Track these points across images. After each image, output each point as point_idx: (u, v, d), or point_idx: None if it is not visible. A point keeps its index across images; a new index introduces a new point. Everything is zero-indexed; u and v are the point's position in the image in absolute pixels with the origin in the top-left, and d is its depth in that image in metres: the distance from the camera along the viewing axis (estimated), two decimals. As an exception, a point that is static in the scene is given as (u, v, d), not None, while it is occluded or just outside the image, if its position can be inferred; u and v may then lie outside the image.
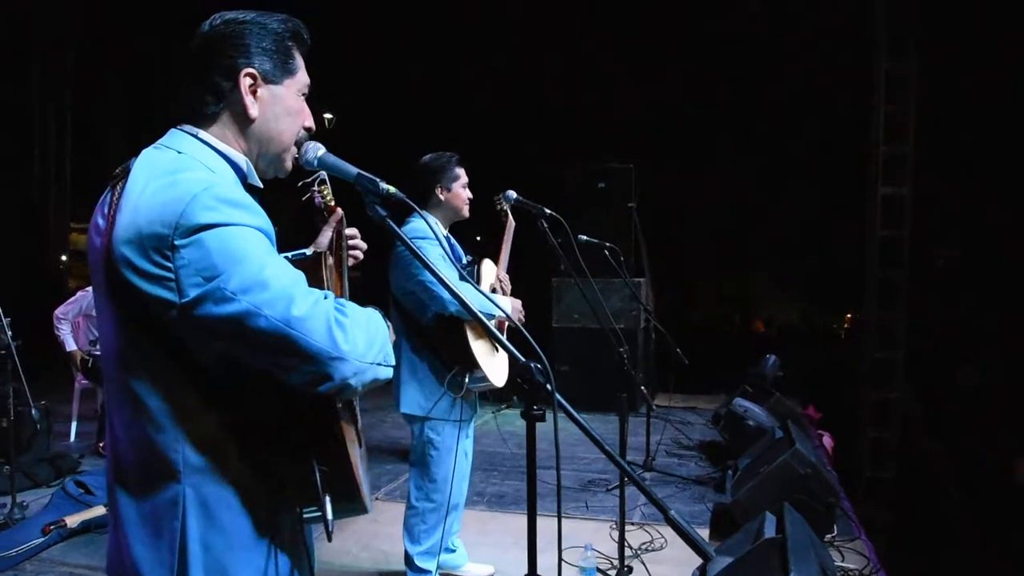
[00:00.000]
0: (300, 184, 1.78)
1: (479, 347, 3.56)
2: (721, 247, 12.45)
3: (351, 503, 1.61)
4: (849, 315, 12.51)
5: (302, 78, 1.68)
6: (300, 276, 1.48)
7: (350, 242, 1.92)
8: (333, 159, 1.76)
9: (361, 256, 1.97)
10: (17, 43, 10.03)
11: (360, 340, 1.48)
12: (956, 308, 10.06)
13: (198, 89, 1.58)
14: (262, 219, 1.48)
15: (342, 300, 1.54)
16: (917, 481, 7.84)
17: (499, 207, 4.15)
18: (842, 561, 4.04)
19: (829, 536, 4.30)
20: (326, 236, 1.77)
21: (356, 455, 1.62)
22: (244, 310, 1.38)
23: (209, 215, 1.39)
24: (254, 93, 1.59)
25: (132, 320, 1.46)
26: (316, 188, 1.78)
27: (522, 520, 1.69)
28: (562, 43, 10.62)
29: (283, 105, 1.64)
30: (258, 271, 1.40)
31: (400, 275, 3.56)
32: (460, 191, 3.67)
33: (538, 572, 1.67)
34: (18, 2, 9.77)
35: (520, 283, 6.38)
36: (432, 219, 3.58)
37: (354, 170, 1.74)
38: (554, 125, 11.05)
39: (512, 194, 3.56)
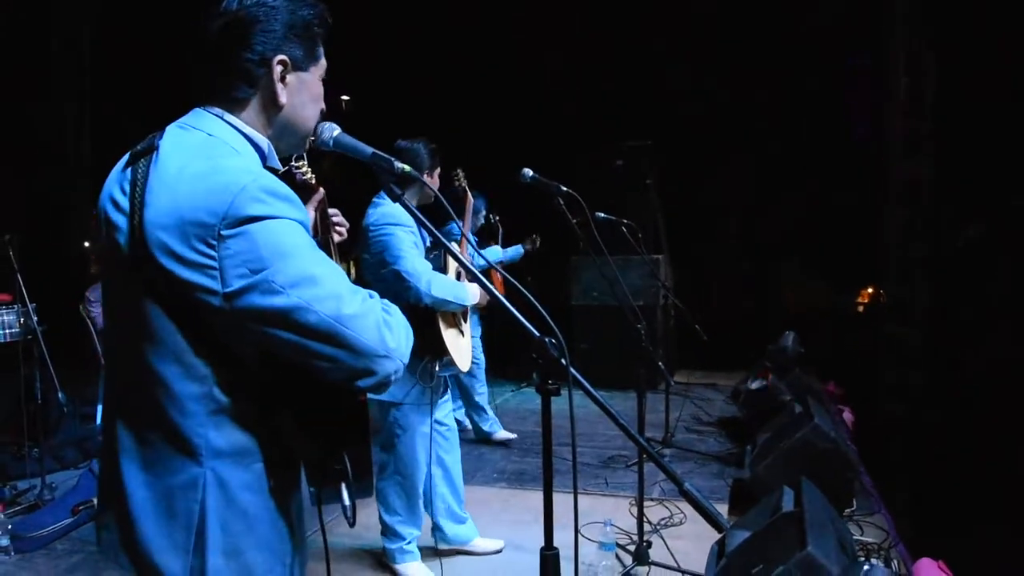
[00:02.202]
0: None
1: (449, 335, 3.63)
2: (740, 225, 12.37)
3: (365, 485, 1.63)
4: (869, 291, 12.42)
5: (323, 63, 1.67)
6: (343, 272, 1.50)
7: (334, 219, 1.92)
8: (349, 139, 1.77)
9: (345, 234, 1.97)
10: (34, 31, 10.09)
11: (403, 339, 1.51)
12: (978, 285, 9.96)
13: (227, 72, 1.54)
14: (302, 212, 1.49)
15: (385, 300, 1.56)
16: (937, 457, 7.81)
17: (457, 183, 4.21)
18: (861, 535, 4.05)
19: (848, 511, 4.31)
20: (310, 216, 1.77)
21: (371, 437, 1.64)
22: (293, 305, 1.39)
23: (258, 207, 1.39)
24: (283, 80, 1.58)
25: (165, 305, 1.44)
26: (294, 164, 1.77)
27: (542, 497, 1.71)
28: (582, 23, 10.57)
29: (310, 92, 1.64)
30: (307, 266, 1.41)
31: (375, 262, 3.60)
32: (437, 179, 3.87)
33: (556, 547, 1.70)
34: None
35: (539, 261, 6.41)
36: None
37: (369, 150, 1.76)
38: (572, 104, 11.00)
39: (528, 171, 3.56)
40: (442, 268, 3.67)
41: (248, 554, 1.53)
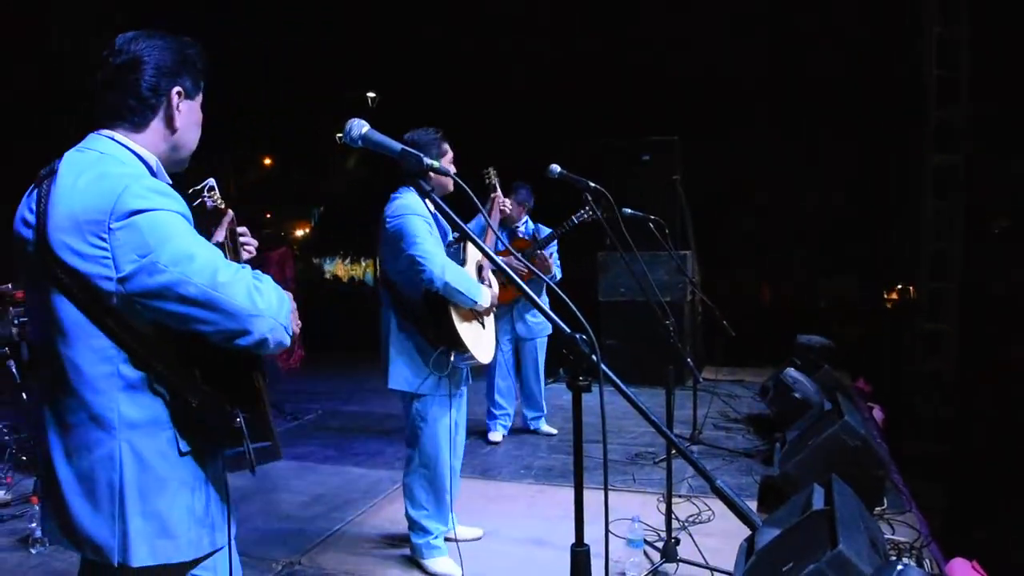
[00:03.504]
0: (190, 191, 1.90)
1: (465, 326, 3.63)
2: (767, 220, 12.28)
3: (267, 444, 1.81)
4: (899, 286, 12.29)
5: (202, 94, 1.91)
6: (218, 251, 1.74)
7: (242, 239, 2.07)
8: (377, 136, 1.79)
9: (254, 252, 2.13)
10: (46, 33, 10.20)
11: (273, 301, 1.74)
12: (1011, 278, 9.82)
13: (130, 100, 1.78)
14: (182, 205, 1.73)
15: (257, 271, 1.79)
16: (970, 455, 7.71)
17: (487, 181, 4.22)
18: (892, 534, 4.00)
19: (879, 509, 4.26)
20: (220, 236, 1.98)
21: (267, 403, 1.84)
22: (175, 279, 1.63)
23: (140, 202, 1.63)
24: (179, 108, 1.83)
25: (71, 298, 1.66)
26: (207, 194, 1.97)
27: (570, 493, 1.71)
28: (604, 16, 10.53)
29: (195, 117, 1.90)
30: (185, 247, 1.65)
31: (390, 252, 3.62)
32: (447, 167, 3.74)
33: (587, 543, 1.69)
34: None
35: (565, 257, 6.39)
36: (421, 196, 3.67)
37: (398, 146, 1.78)
38: (597, 99, 10.97)
39: (556, 168, 3.54)
40: (461, 262, 3.69)
41: (167, 516, 1.74)
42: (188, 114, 1.86)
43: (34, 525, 4.03)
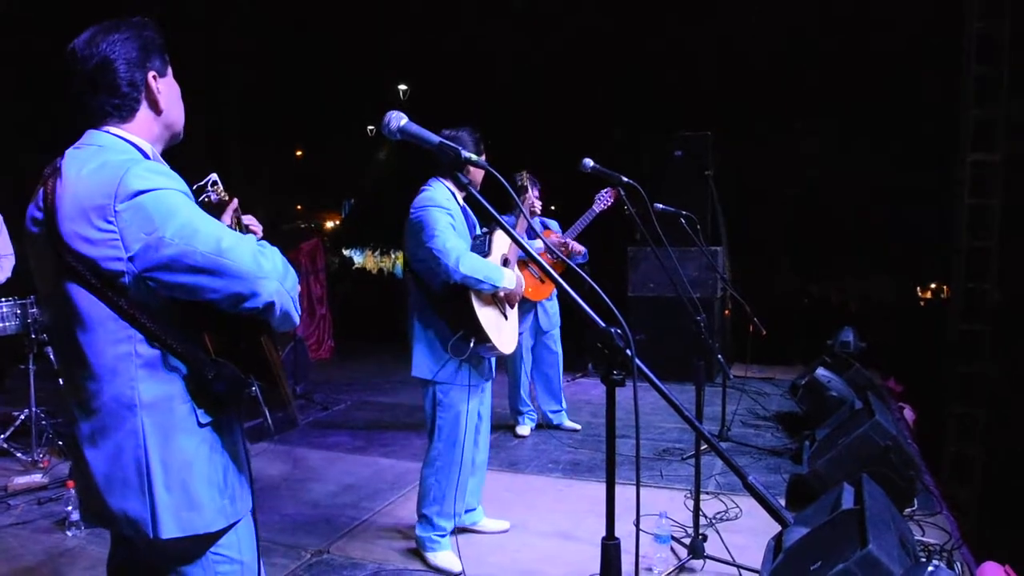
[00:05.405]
0: (194, 187, 1.98)
1: (486, 314, 3.64)
2: (800, 216, 12.16)
3: (283, 413, 1.81)
4: (932, 286, 12.13)
5: (170, 66, 1.95)
6: (221, 224, 1.81)
7: (250, 227, 2.13)
8: (415, 128, 1.81)
9: (260, 234, 2.15)
10: (59, 39, 10.32)
11: (279, 265, 1.80)
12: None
13: (113, 100, 1.82)
14: (181, 183, 1.78)
15: (264, 242, 1.86)
16: (1005, 458, 7.60)
17: (519, 183, 4.31)
18: (922, 536, 3.96)
19: (909, 510, 4.23)
20: (227, 221, 2.03)
21: (281, 373, 1.92)
22: (181, 251, 1.68)
23: (142, 183, 1.69)
24: (159, 89, 1.87)
25: (85, 285, 1.71)
26: (211, 189, 2.03)
27: (597, 488, 1.72)
28: (638, 12, 10.48)
29: (175, 91, 1.94)
30: (188, 221, 1.71)
31: (413, 243, 3.67)
32: (484, 162, 3.77)
33: (618, 537, 1.70)
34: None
35: (596, 252, 6.40)
36: (450, 188, 3.75)
37: (436, 138, 1.79)
38: (631, 95, 10.92)
39: (589, 162, 3.55)
40: (485, 253, 3.70)
41: (191, 487, 1.79)
42: (168, 91, 1.91)
43: (70, 508, 4.10)
